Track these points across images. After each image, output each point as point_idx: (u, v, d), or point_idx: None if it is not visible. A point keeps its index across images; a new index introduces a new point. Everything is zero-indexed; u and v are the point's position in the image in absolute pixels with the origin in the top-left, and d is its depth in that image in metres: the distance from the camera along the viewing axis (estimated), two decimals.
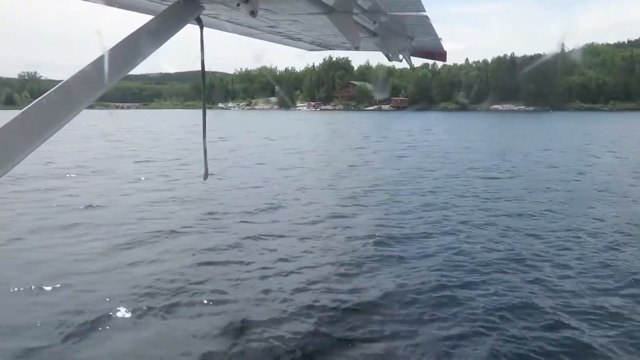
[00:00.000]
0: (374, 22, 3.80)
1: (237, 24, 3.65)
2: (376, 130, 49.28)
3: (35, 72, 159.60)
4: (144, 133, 44.53)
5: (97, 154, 25.44)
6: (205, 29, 2.86)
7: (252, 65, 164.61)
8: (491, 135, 44.46)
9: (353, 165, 22.03)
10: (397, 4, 3.30)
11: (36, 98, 1.76)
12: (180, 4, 2.28)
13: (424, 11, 3.40)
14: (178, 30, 2.26)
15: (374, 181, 17.59)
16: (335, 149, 31.16)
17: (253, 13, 2.48)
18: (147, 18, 2.18)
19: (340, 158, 25.51)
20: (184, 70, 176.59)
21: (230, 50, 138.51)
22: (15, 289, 7.10)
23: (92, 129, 43.39)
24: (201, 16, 2.52)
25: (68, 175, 18.22)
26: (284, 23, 3.72)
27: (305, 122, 70.09)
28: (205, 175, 3.29)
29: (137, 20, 2.39)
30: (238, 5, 2.47)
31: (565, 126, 56.53)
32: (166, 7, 2.30)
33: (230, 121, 68.51)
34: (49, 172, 18.75)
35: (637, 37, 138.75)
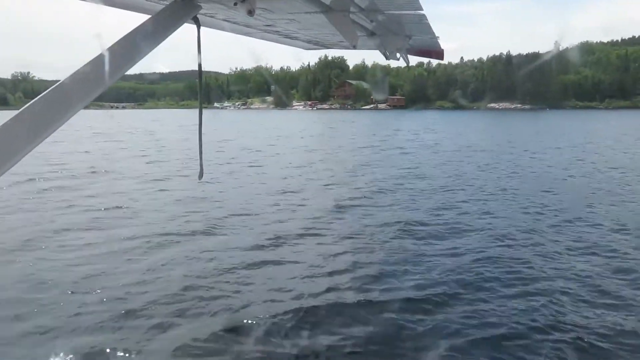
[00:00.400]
0: (372, 21, 3.78)
1: (234, 23, 3.63)
2: (379, 130, 49.27)
3: (29, 72, 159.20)
4: (147, 133, 44.42)
5: (108, 155, 25.58)
6: (201, 28, 2.84)
7: (248, 65, 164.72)
8: (496, 133, 44.75)
9: (366, 164, 22.28)
10: (394, 3, 3.29)
11: (30, 98, 1.76)
12: (177, 4, 2.26)
13: (422, 9, 3.39)
14: (175, 30, 2.25)
15: (394, 179, 17.91)
16: (344, 147, 31.18)
17: (250, 12, 2.46)
18: (144, 17, 2.16)
19: (352, 157, 25.71)
20: (177, 70, 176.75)
21: (226, 50, 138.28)
22: (65, 289, 7.19)
23: (94, 130, 43.35)
24: (198, 15, 2.51)
25: (86, 177, 18.36)
26: (281, 22, 3.71)
27: (304, 122, 70.14)
28: (200, 175, 3.28)
29: (134, 20, 2.38)
30: (235, 4, 2.45)
31: (567, 124, 56.68)
32: (163, 6, 2.28)
33: (230, 121, 68.70)
34: (66, 173, 18.92)
35: (630, 36, 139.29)
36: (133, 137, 39.43)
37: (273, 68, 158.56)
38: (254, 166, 21.86)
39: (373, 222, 11.35)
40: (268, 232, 10.27)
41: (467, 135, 41.57)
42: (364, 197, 14.34)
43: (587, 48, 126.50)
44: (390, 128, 52.32)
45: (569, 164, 21.98)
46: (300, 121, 71.46)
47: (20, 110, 1.69)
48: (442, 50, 5.01)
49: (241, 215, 11.96)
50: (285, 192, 15.10)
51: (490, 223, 11.27)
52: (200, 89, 3.38)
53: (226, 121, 66.91)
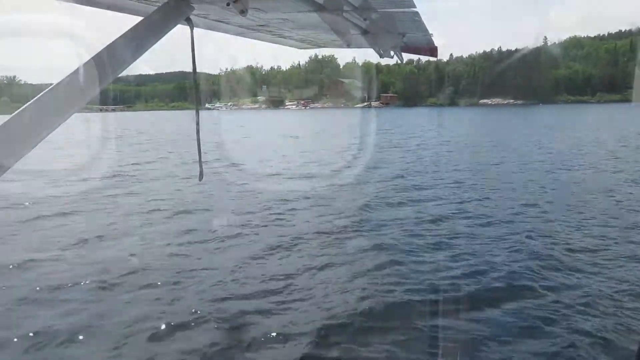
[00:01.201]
0: (365, 19, 3.77)
1: (227, 23, 3.61)
2: (379, 128, 49.04)
3: (14, 77, 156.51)
4: (153, 136, 44.15)
5: (128, 159, 25.30)
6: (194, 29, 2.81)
7: (238, 65, 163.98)
8: (501, 130, 44.93)
9: (382, 163, 22.56)
10: (387, 1, 3.28)
11: (17, 102, 1.75)
12: (170, 5, 2.25)
13: (415, 7, 3.38)
14: (168, 31, 2.24)
15: (430, 175, 18.57)
16: (354, 147, 31.19)
17: (243, 12, 2.45)
18: (137, 19, 2.15)
19: (362, 156, 25.94)
20: (163, 71, 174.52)
21: (216, 50, 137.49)
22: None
23: (98, 133, 43.09)
24: (191, 16, 2.49)
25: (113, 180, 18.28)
26: (274, 22, 3.69)
27: (300, 122, 70.15)
28: (200, 176, 3.28)
29: (128, 21, 2.36)
30: (228, 4, 2.44)
31: (564, 119, 56.99)
32: (156, 8, 2.26)
33: (229, 121, 68.44)
34: (96, 178, 18.68)
35: (616, 30, 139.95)
36: (145, 139, 39.35)
37: (264, 68, 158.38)
38: (297, 167, 22.02)
39: (420, 217, 11.85)
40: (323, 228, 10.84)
41: (477, 132, 41.84)
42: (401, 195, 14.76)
43: (575, 42, 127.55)
44: (396, 127, 51.96)
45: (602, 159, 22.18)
46: (296, 121, 71.35)
47: (13, 115, 1.67)
48: (436, 47, 5.00)
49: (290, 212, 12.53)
50: (317, 191, 15.38)
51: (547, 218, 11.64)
52: (197, 91, 3.35)
53: (228, 122, 66.81)
